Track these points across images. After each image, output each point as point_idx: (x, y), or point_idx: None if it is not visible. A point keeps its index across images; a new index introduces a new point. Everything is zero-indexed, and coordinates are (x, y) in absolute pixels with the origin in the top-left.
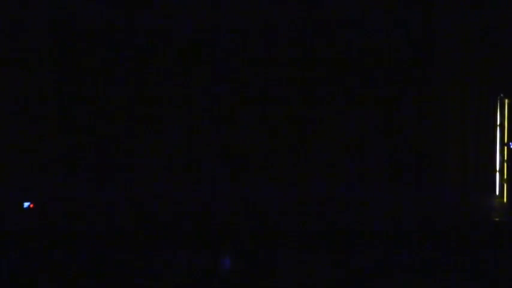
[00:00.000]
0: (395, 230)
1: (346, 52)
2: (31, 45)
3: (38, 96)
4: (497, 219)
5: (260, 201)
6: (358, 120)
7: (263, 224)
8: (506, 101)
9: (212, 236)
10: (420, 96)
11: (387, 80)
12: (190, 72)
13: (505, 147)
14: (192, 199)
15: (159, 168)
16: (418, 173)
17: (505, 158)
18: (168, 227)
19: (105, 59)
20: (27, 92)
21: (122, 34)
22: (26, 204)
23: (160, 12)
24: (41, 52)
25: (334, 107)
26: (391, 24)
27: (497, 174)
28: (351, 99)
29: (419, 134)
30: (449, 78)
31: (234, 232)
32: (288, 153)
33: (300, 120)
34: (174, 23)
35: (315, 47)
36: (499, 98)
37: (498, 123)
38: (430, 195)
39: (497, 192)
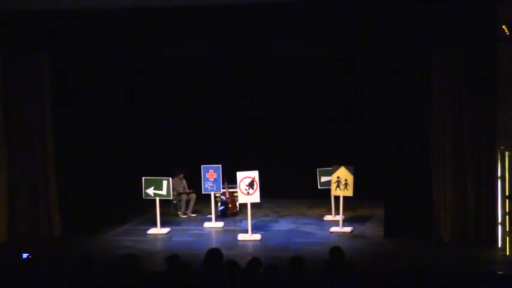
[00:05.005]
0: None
1: None
2: None
3: None
4: (500, 272)
5: None
6: None
7: None
8: (507, 153)
9: None
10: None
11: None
12: None
13: (506, 200)
14: None
15: None
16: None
17: (507, 211)
18: None
19: None
20: None
21: None
22: (24, 255)
23: None
24: None
25: None
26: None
27: (500, 226)
28: None
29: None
30: (449, 128)
31: None
32: None
33: None
34: None
35: None
36: (499, 150)
37: (499, 175)
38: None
39: (499, 245)
